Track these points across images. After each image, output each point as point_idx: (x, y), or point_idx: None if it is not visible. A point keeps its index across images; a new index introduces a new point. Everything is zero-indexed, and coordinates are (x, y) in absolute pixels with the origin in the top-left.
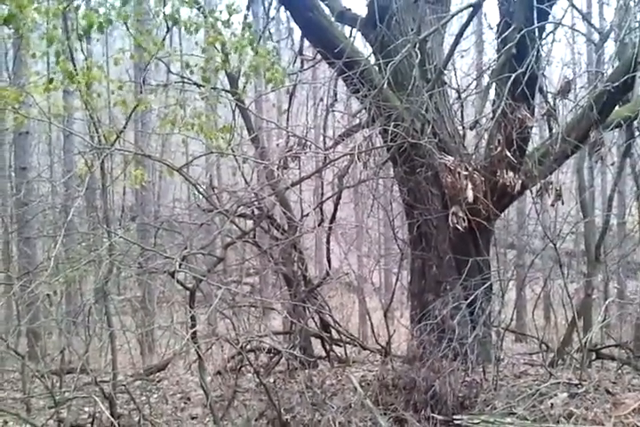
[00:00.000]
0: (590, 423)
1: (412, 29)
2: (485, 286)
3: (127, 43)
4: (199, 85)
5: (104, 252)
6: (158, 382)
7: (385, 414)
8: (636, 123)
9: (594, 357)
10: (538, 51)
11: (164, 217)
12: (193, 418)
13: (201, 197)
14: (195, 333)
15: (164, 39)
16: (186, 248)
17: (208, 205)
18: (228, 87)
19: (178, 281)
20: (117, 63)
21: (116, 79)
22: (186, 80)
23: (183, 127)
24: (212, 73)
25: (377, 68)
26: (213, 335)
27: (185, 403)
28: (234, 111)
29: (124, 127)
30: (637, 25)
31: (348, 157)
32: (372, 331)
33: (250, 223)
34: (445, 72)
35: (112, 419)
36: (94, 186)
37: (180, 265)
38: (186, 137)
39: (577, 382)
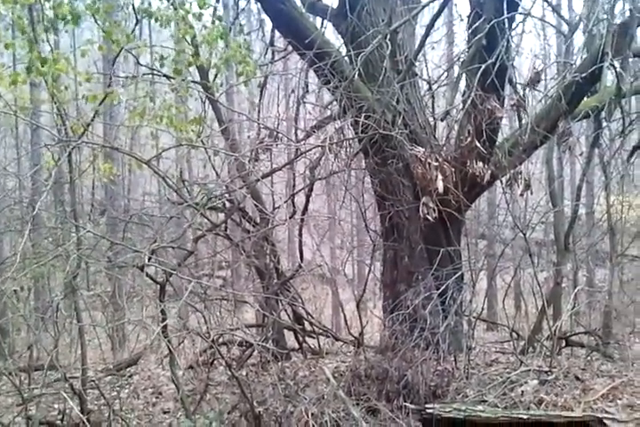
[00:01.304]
0: (560, 409)
1: (382, 20)
2: (457, 275)
3: (95, 34)
4: (169, 77)
5: (72, 246)
6: (129, 377)
7: (358, 404)
8: (603, 113)
9: (563, 344)
10: (508, 41)
11: (134, 211)
12: (165, 412)
13: (171, 190)
14: (165, 327)
15: (133, 31)
16: (155, 242)
17: (178, 198)
18: (198, 79)
19: (147, 275)
20: (85, 55)
21: (83, 71)
22: (155, 72)
23: (152, 119)
24: (183, 65)
25: (348, 60)
26: (185, 329)
27: (156, 398)
28: (204, 103)
29: (92, 120)
30: (605, 16)
31: (320, 148)
32: (345, 322)
33: (221, 216)
34: (416, 63)
35: (81, 415)
36: (62, 180)
37: (150, 259)
38: (155, 130)
39: (547, 369)
